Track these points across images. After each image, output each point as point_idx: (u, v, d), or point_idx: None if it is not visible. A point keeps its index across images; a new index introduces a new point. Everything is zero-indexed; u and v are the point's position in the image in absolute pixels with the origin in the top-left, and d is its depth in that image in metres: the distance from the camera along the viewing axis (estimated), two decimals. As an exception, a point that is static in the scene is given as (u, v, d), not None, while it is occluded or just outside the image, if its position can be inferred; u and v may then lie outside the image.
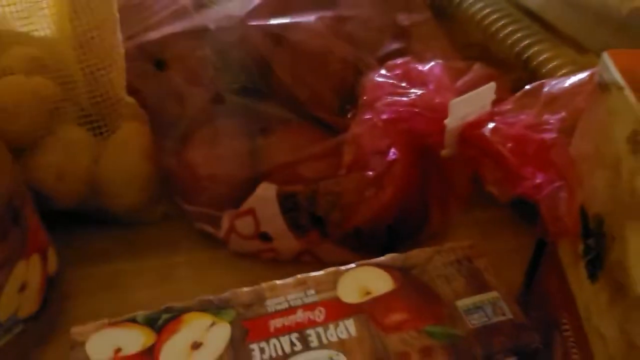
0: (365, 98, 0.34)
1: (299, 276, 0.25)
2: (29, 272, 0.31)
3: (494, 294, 0.25)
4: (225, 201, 0.37)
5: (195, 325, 0.23)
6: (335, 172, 0.34)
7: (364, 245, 0.36)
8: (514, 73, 0.39)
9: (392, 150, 0.32)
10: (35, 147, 0.35)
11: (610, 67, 0.21)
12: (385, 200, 0.32)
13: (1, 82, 0.33)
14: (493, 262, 0.27)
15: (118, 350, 0.22)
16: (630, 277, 0.19)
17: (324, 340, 0.23)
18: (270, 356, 0.22)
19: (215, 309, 0.24)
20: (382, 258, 0.26)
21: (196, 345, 0.22)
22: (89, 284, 0.37)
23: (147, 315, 0.24)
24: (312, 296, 0.24)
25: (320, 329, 0.23)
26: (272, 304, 0.24)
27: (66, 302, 0.35)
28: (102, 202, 0.38)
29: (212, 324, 0.23)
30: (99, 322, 0.24)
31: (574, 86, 0.24)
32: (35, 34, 0.34)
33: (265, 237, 0.36)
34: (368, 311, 0.24)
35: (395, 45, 0.40)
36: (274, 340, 0.23)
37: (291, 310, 0.24)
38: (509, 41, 0.41)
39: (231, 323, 0.23)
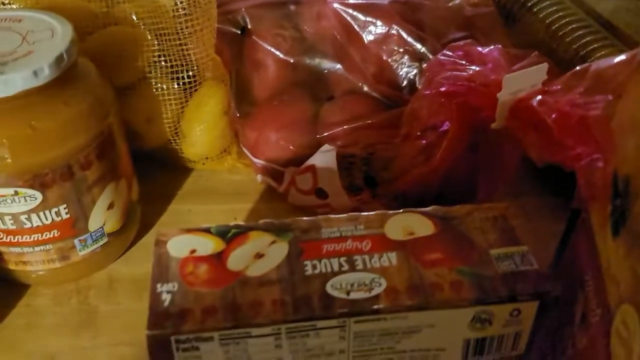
0: (427, 75, 0.37)
1: (352, 214, 0.29)
2: (117, 193, 0.36)
3: (523, 247, 0.27)
4: (289, 158, 0.41)
5: (258, 241, 0.27)
6: (392, 140, 0.38)
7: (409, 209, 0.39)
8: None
9: (445, 122, 0.35)
10: (133, 90, 0.40)
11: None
12: (432, 168, 0.35)
13: (109, 30, 0.38)
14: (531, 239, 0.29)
15: (193, 251, 0.26)
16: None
17: (368, 265, 0.26)
18: (320, 271, 0.26)
19: (276, 230, 0.28)
20: (427, 209, 0.29)
21: (259, 256, 0.26)
22: (163, 218, 0.41)
23: (219, 228, 0.28)
24: (361, 230, 0.28)
25: (366, 256, 0.26)
26: (326, 232, 0.28)
27: (142, 229, 0.40)
28: (182, 148, 0.42)
29: (273, 242, 0.27)
30: (179, 228, 0.28)
31: (617, 65, 0.26)
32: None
33: (321, 193, 0.40)
34: (409, 247, 0.27)
35: (459, 34, 0.43)
36: (324, 260, 0.26)
37: (342, 238, 0.27)
38: (576, 44, 0.42)
39: (289, 243, 0.27)
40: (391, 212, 0.29)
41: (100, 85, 0.34)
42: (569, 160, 0.27)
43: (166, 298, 0.24)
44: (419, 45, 0.41)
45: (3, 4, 0.36)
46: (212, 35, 0.40)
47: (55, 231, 0.33)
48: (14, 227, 0.32)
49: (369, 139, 0.39)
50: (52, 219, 0.33)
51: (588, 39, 0.41)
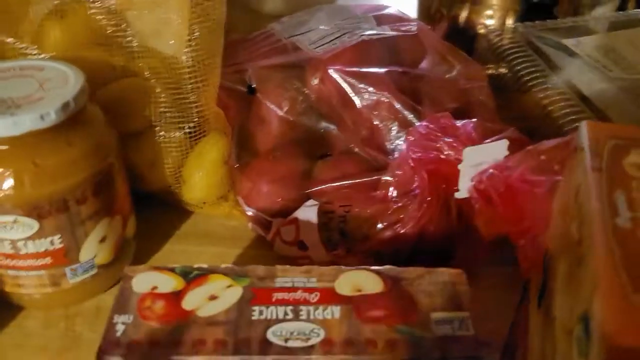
0: (407, 143, 0.39)
1: (307, 267, 0.31)
2: (110, 228, 0.39)
3: (464, 314, 0.28)
4: (277, 210, 0.43)
5: (216, 283, 0.29)
6: (370, 201, 0.40)
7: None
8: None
9: (417, 187, 0.37)
10: (140, 137, 0.43)
11: (582, 132, 0.25)
12: (403, 230, 0.37)
13: (124, 81, 0.42)
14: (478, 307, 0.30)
15: (154, 287, 0.29)
16: (554, 300, 0.22)
17: (312, 316, 0.28)
18: (266, 317, 0.28)
19: (235, 275, 0.30)
20: (381, 267, 0.31)
21: (213, 297, 0.28)
22: (157, 255, 0.44)
23: (183, 268, 0.30)
24: (313, 283, 0.30)
25: (311, 308, 0.28)
26: (280, 281, 0.30)
27: (134, 264, 0.43)
28: (182, 192, 0.46)
29: (230, 286, 0.29)
30: (146, 266, 0.30)
31: (558, 147, 0.28)
32: (157, 50, 0.43)
33: (302, 245, 0.42)
34: (354, 303, 0.29)
35: (453, 105, 0.46)
36: (272, 307, 0.28)
37: (293, 289, 0.29)
38: (561, 121, 0.45)
39: (244, 288, 0.29)
40: (345, 267, 0.31)
41: (104, 130, 0.38)
42: (513, 234, 0.28)
43: (120, 329, 0.27)
44: (408, 113, 0.43)
45: (32, 54, 0.41)
46: (215, 91, 0.43)
47: (49, 258, 0.36)
48: (12, 251, 0.36)
49: (349, 198, 0.41)
50: (46, 248, 0.36)
51: (572, 117, 0.43)
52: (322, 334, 0.27)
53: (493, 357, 0.27)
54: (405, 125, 0.43)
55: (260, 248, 0.45)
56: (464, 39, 0.62)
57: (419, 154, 0.36)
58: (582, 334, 0.18)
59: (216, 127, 0.45)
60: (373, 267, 0.31)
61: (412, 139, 0.37)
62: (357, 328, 0.27)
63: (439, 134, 0.36)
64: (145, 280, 0.29)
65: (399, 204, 0.38)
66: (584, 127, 0.25)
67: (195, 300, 0.28)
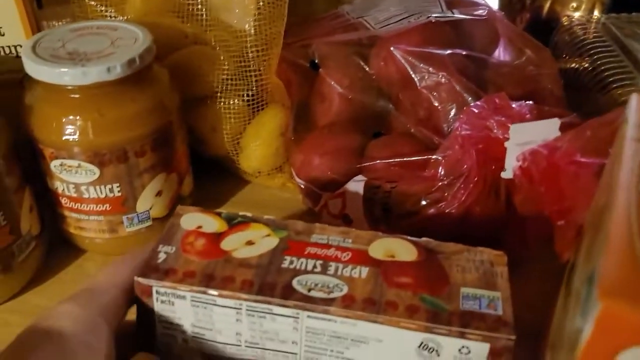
0: (459, 122, 0.38)
1: (346, 228, 0.31)
2: (166, 184, 0.41)
3: (496, 293, 0.27)
4: (327, 183, 0.44)
5: (255, 231, 0.30)
6: (417, 179, 0.39)
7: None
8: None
9: (466, 167, 0.36)
10: (203, 102, 0.45)
11: (631, 105, 0.23)
12: (448, 209, 0.36)
13: (192, 48, 0.45)
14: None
15: (199, 227, 0.30)
16: (574, 274, 0.21)
17: (339, 272, 0.28)
18: (295, 267, 0.28)
19: (275, 226, 0.31)
20: (419, 239, 0.30)
21: (250, 243, 0.30)
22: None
23: (228, 214, 0.31)
24: (348, 243, 0.30)
25: (340, 265, 0.29)
26: (316, 237, 0.30)
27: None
28: (239, 159, 0.47)
29: (268, 235, 0.30)
30: (196, 207, 0.32)
31: (608, 121, 0.26)
32: (224, 20, 0.44)
33: (347, 218, 0.42)
34: (383, 267, 0.28)
35: (518, 91, 0.44)
36: (302, 259, 0.29)
37: (327, 246, 0.30)
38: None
39: (280, 239, 0.30)
40: (383, 234, 0.31)
41: (167, 91, 0.40)
42: (552, 213, 0.27)
43: (161, 257, 0.29)
44: (467, 96, 0.42)
45: (111, 17, 0.44)
46: (276, 61, 0.44)
47: (107, 205, 0.39)
48: (76, 195, 0.39)
49: (398, 175, 0.40)
50: (106, 194, 0.39)
51: None
52: (345, 289, 0.27)
53: (511, 340, 0.26)
54: (462, 107, 0.42)
55: (309, 221, 0.45)
56: (544, 30, 0.60)
57: (468, 132, 0.35)
58: (585, 294, 0.17)
59: (276, 99, 0.46)
60: (410, 237, 0.31)
61: (465, 118, 0.37)
62: (381, 290, 0.27)
63: (493, 114, 0.35)
64: (193, 220, 0.31)
65: (445, 182, 0.37)
66: (633, 99, 0.24)
67: (233, 243, 0.30)
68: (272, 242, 0.30)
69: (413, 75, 0.44)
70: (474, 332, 0.26)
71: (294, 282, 0.28)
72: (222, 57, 0.44)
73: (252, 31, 0.43)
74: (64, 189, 0.39)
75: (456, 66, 0.44)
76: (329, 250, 0.29)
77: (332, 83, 0.47)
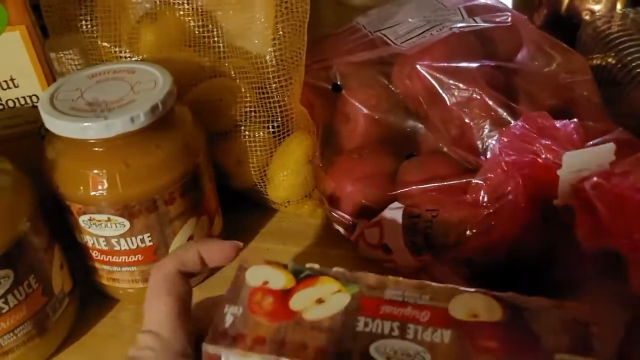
0: (500, 144, 0.37)
1: (422, 281, 0.28)
2: (198, 228, 0.39)
3: None
4: (361, 211, 0.42)
5: (325, 287, 0.28)
6: (457, 205, 0.38)
7: (476, 276, 0.39)
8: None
9: (511, 192, 0.34)
10: (226, 136, 0.44)
11: None
12: (494, 238, 0.35)
13: (211, 82, 0.43)
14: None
15: (266, 282, 0.28)
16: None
17: (419, 337, 0.25)
18: (371, 330, 0.26)
19: (345, 280, 0.28)
20: (502, 293, 0.27)
21: (320, 301, 0.27)
22: (242, 253, 0.44)
23: (295, 267, 0.29)
24: (425, 300, 0.27)
25: (419, 327, 0.26)
26: (389, 294, 0.27)
27: (220, 262, 0.43)
28: (266, 190, 0.46)
29: (338, 291, 0.28)
30: (261, 258, 0.30)
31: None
32: (243, 50, 0.43)
33: (386, 248, 0.40)
34: (468, 329, 0.25)
35: (553, 101, 0.42)
36: (378, 321, 0.26)
37: (403, 304, 0.27)
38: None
39: (352, 295, 0.27)
40: (462, 288, 0.28)
41: (192, 131, 0.39)
42: (622, 247, 0.26)
43: (228, 319, 0.27)
44: (501, 111, 0.40)
45: (125, 57, 0.42)
46: (299, 89, 0.43)
47: (140, 255, 0.38)
48: (107, 248, 0.37)
49: (437, 201, 0.39)
50: (137, 245, 0.37)
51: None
52: (428, 358, 0.25)
53: None
54: (498, 124, 0.40)
55: (344, 248, 0.44)
56: (565, 27, 0.58)
57: (513, 157, 0.34)
58: None
59: (301, 126, 0.45)
60: (493, 292, 0.28)
61: (506, 140, 0.35)
62: (469, 356, 0.25)
63: (536, 135, 0.34)
64: (258, 274, 0.29)
65: (490, 210, 0.35)
66: None
67: (302, 301, 0.27)
68: (344, 299, 0.27)
69: (441, 92, 0.43)
70: None
71: (372, 350, 0.25)
72: (243, 89, 0.42)
73: (273, 61, 0.41)
74: (94, 243, 0.37)
75: (485, 79, 0.43)
76: (406, 309, 0.26)
77: (357, 104, 0.45)
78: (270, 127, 0.43)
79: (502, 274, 0.39)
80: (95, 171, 0.35)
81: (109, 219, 0.36)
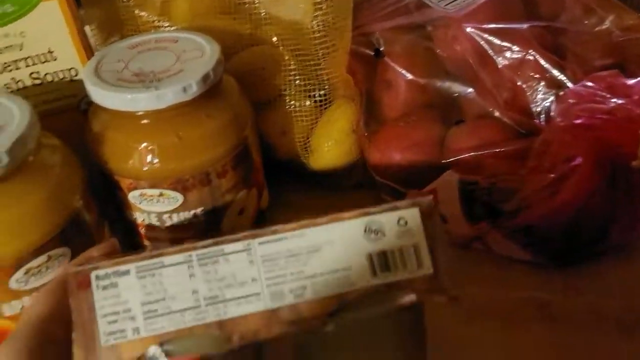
0: (563, 105, 0.35)
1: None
2: (248, 201, 0.38)
3: None
4: (411, 180, 0.41)
5: None
6: (517, 171, 0.36)
7: (534, 244, 0.38)
8: None
9: (578, 157, 0.33)
10: (269, 105, 0.43)
11: None
12: (559, 203, 0.34)
13: (252, 50, 0.41)
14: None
15: None
16: None
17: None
18: None
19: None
20: None
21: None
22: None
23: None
24: None
25: None
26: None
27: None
28: (310, 161, 0.45)
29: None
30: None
31: None
32: (285, 16, 0.41)
33: (441, 218, 0.39)
34: None
35: (605, 61, 0.41)
36: None
37: None
38: None
39: None
40: None
41: (240, 100, 0.37)
42: None
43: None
44: (556, 73, 0.39)
45: (163, 26, 0.41)
46: (345, 56, 0.41)
47: (191, 231, 0.37)
48: (158, 224, 0.36)
49: (493, 167, 0.38)
50: (190, 220, 0.36)
51: None
52: None
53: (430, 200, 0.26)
54: (553, 86, 0.39)
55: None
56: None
57: (581, 119, 0.32)
58: None
59: (344, 94, 0.43)
60: None
61: (572, 101, 0.34)
62: None
63: (607, 95, 0.32)
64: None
65: (554, 175, 0.34)
66: None
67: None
68: None
69: (492, 54, 0.41)
70: (403, 202, 0.26)
71: None
72: (286, 56, 0.41)
73: (318, 26, 0.39)
74: (144, 219, 0.36)
75: (537, 39, 0.41)
76: None
77: (401, 70, 0.44)
78: (318, 95, 0.42)
79: (561, 241, 0.38)
80: (147, 144, 0.33)
81: (161, 194, 0.35)
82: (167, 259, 0.24)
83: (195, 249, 0.24)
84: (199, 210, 0.36)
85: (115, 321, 0.24)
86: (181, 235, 0.37)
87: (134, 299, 0.24)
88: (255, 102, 0.42)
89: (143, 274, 0.24)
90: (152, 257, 0.24)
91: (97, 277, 0.24)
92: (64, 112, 0.39)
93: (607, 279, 0.38)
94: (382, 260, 0.27)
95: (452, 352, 0.34)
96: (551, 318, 0.35)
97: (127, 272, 0.24)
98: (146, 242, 0.38)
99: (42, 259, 0.31)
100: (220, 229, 0.37)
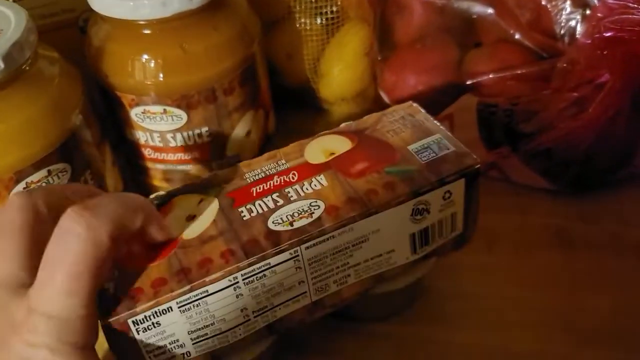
0: (591, 20, 0.33)
1: (270, 152, 0.28)
2: (255, 122, 0.37)
3: (436, 136, 0.28)
4: (427, 104, 0.39)
5: (185, 204, 0.26)
6: (540, 92, 0.35)
7: (553, 169, 0.36)
8: None
9: (605, 74, 0.31)
10: (276, 25, 0.40)
11: None
12: (582, 122, 0.32)
13: (262, -37, 0.39)
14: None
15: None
16: None
17: (302, 193, 0.25)
18: (258, 213, 0.25)
19: (200, 188, 0.26)
20: (337, 127, 0.29)
21: (190, 218, 0.25)
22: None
23: None
24: (283, 165, 0.27)
25: (296, 186, 0.26)
26: (250, 176, 0.27)
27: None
28: (319, 87, 0.43)
29: (201, 200, 0.26)
30: None
31: None
32: None
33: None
34: (335, 166, 0.27)
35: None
36: (258, 202, 0.25)
37: (268, 177, 0.26)
38: None
39: (217, 196, 0.26)
40: (306, 139, 0.29)
41: (248, 14, 0.35)
42: None
43: (109, 286, 0.23)
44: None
45: None
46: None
47: (196, 152, 0.35)
48: (161, 144, 0.35)
49: (515, 90, 0.36)
50: (195, 140, 0.35)
51: None
52: (322, 204, 0.25)
53: (477, 162, 0.26)
54: (578, 4, 0.37)
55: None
56: None
57: (611, 32, 0.30)
58: None
59: (357, 15, 0.41)
60: (330, 130, 0.29)
61: (601, 15, 0.31)
62: (351, 185, 0.25)
63: (639, 6, 0.30)
64: None
65: (579, 94, 0.33)
66: None
67: (173, 227, 0.25)
68: (212, 204, 0.25)
69: (515, -28, 0.39)
70: (450, 174, 0.26)
71: (271, 225, 0.24)
72: (296, -30, 0.38)
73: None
74: (147, 139, 0.35)
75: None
76: (273, 179, 0.26)
77: (418, -10, 0.41)
78: (328, 12, 0.39)
79: (581, 166, 0.37)
80: (149, 56, 0.32)
81: (164, 111, 0.33)
82: (211, 287, 0.23)
83: (239, 269, 0.23)
84: (203, 130, 0.34)
85: (163, 352, 0.24)
86: (185, 157, 0.35)
87: (181, 331, 0.23)
88: (263, 21, 0.40)
89: (187, 306, 0.23)
90: (192, 289, 0.23)
91: (135, 323, 0.22)
92: (63, 29, 0.37)
93: (626, 208, 0.36)
94: (423, 237, 0.27)
95: (470, 278, 0.33)
96: (569, 244, 0.34)
97: (169, 310, 0.23)
98: (149, 165, 0.36)
99: (42, 173, 0.29)
100: (224, 153, 0.36)
